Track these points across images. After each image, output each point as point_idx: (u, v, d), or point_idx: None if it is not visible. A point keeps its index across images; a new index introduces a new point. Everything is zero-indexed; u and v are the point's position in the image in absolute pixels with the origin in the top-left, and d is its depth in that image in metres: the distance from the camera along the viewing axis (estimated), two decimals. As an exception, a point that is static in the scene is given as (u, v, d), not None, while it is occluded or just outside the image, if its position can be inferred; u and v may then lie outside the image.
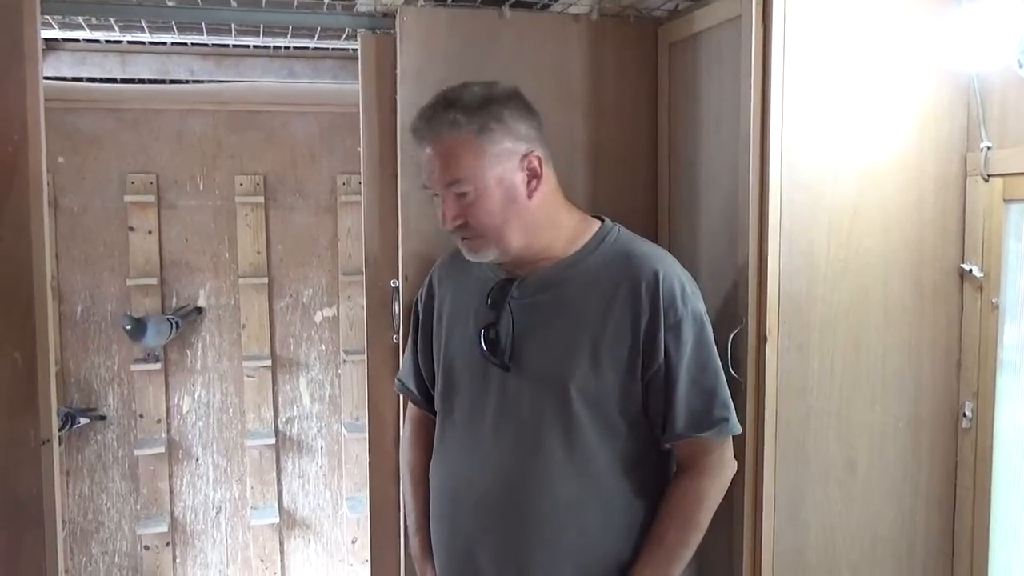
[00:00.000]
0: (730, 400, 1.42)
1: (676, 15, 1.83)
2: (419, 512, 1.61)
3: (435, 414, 1.59)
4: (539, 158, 1.42)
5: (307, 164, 3.11)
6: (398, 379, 1.72)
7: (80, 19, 2.09)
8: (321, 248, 3.15)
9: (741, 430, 1.45)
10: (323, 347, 3.20)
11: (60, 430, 2.75)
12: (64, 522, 2.95)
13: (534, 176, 1.41)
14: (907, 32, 1.53)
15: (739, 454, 1.52)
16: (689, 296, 1.41)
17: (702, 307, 1.43)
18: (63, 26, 2.24)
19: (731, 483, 1.49)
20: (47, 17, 2.01)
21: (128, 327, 2.82)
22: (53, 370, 1.66)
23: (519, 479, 1.40)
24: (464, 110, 1.38)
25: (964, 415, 1.59)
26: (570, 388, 1.39)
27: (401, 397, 1.79)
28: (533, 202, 1.42)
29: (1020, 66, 1.41)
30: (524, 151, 1.40)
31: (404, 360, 1.71)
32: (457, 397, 1.51)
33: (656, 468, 1.47)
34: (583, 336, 1.40)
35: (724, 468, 1.45)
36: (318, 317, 3.18)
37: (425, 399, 1.63)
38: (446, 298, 1.56)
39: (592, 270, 1.44)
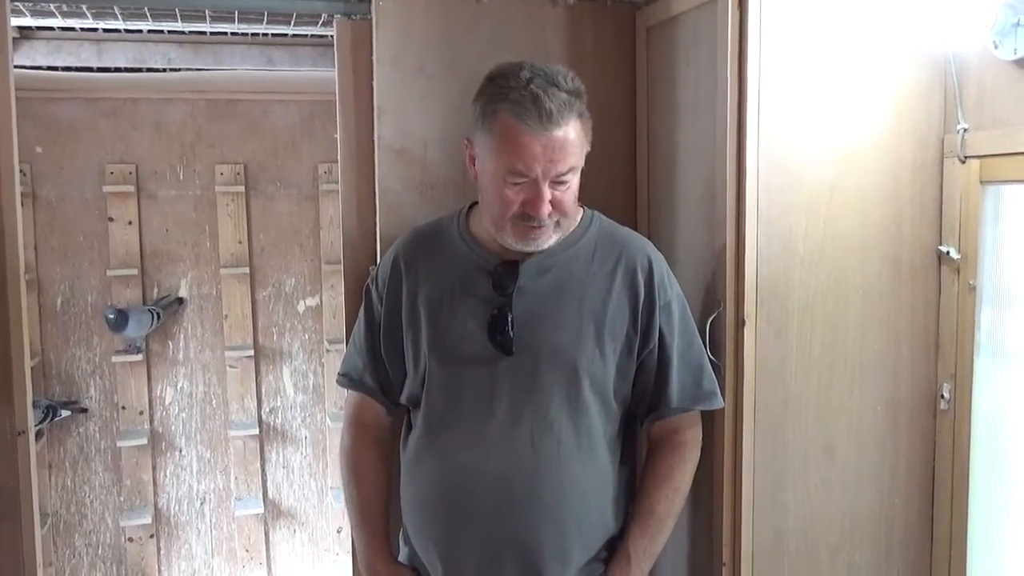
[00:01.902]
0: (713, 373, 1.49)
1: (654, -2, 1.81)
2: (368, 505, 1.53)
3: (391, 409, 1.57)
4: None
5: (288, 153, 3.09)
6: (343, 375, 1.58)
7: (51, 6, 2.06)
8: (303, 237, 3.13)
9: (724, 403, 1.50)
10: (306, 337, 3.18)
11: (41, 422, 2.74)
12: (47, 515, 2.94)
13: None
14: (884, 14, 1.53)
15: (718, 439, 1.54)
16: (673, 278, 1.50)
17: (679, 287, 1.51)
18: (35, 14, 2.21)
19: (710, 468, 1.56)
20: (17, 4, 1.98)
21: (111, 318, 2.80)
22: (28, 361, 1.65)
23: (536, 464, 1.38)
24: (571, 92, 1.33)
25: (942, 397, 1.60)
26: (579, 371, 1.40)
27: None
28: None
29: (996, 47, 1.40)
30: None
31: (352, 354, 1.59)
32: (460, 386, 1.43)
33: (630, 448, 1.52)
34: (588, 320, 1.41)
35: (699, 437, 1.51)
36: (301, 307, 3.17)
37: (382, 393, 1.55)
38: (419, 284, 1.48)
39: (584, 254, 1.45)
